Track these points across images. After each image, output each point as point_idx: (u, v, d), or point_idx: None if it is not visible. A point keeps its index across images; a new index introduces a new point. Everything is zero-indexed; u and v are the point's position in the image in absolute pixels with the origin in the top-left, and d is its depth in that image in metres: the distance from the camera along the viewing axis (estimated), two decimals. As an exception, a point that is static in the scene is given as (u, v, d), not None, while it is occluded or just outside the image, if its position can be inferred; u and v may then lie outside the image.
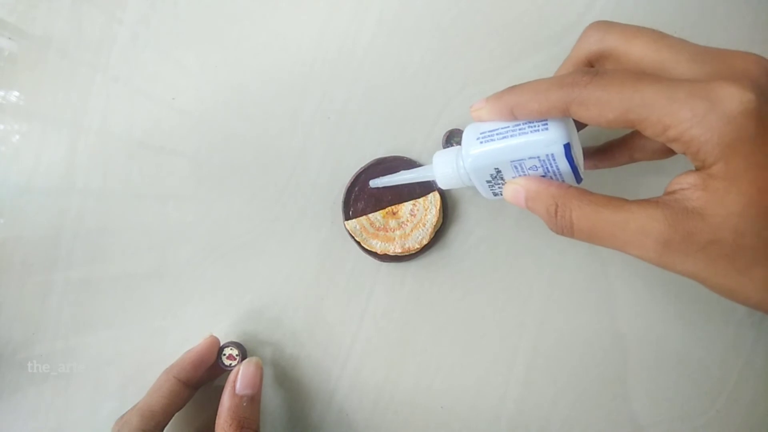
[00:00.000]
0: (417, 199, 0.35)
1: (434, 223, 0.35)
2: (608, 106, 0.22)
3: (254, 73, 0.37)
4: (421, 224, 0.35)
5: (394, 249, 0.34)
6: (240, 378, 0.32)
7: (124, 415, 0.31)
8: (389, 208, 0.35)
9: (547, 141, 0.24)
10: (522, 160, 0.25)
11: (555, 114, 0.24)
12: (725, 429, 0.35)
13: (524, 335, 0.35)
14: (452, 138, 0.36)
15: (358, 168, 0.36)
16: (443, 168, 0.29)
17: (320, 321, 0.36)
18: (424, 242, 0.35)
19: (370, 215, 0.35)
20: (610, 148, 0.31)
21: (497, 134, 0.26)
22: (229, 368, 0.33)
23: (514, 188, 0.27)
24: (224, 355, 0.34)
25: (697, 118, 0.20)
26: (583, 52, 0.26)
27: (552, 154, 0.25)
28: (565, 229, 0.25)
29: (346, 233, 0.35)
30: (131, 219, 0.37)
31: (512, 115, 0.25)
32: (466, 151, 0.27)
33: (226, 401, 0.31)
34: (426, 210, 0.35)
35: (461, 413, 0.35)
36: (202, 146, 0.37)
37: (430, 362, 0.36)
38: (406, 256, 0.35)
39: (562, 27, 0.36)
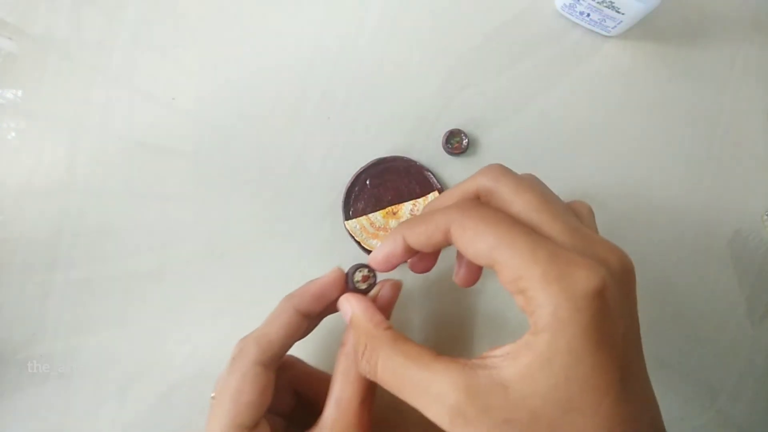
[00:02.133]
0: (417, 199, 0.35)
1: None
2: (481, 236, 0.22)
3: (254, 72, 0.37)
4: (421, 224, 0.35)
5: (394, 249, 0.34)
6: (377, 301, 0.29)
7: (241, 341, 0.28)
8: (389, 208, 0.35)
9: None
10: None
11: (438, 237, 0.24)
12: (725, 429, 0.35)
13: (523, 335, 0.35)
14: (452, 138, 0.36)
15: (358, 168, 0.36)
16: None
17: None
18: (424, 242, 0.34)
19: (370, 215, 0.35)
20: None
21: None
22: (363, 291, 0.29)
23: (345, 306, 0.27)
24: (357, 275, 0.29)
25: (545, 279, 0.21)
26: (475, 186, 0.26)
27: None
28: (369, 372, 0.25)
29: (346, 233, 0.35)
30: (131, 219, 0.37)
31: (404, 240, 0.26)
32: None
33: (340, 358, 0.28)
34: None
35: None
36: (202, 146, 0.37)
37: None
38: (406, 256, 0.35)
39: (562, 27, 0.36)
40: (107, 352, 0.36)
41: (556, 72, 0.37)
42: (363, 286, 0.29)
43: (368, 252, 0.35)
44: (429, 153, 0.36)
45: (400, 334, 0.25)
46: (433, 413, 0.22)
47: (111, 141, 0.37)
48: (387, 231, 0.35)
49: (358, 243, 0.35)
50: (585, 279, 0.21)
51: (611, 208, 0.36)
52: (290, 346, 0.29)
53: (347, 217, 0.36)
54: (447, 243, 0.25)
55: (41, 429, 0.36)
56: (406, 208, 0.35)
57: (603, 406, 0.21)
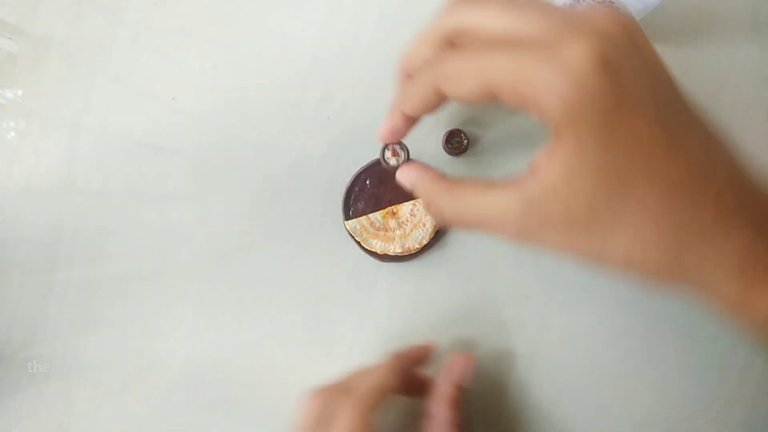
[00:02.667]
0: (417, 199, 0.35)
1: (434, 223, 0.35)
2: (466, 76, 0.22)
3: (254, 72, 0.37)
4: (421, 224, 0.35)
5: (394, 249, 0.34)
6: (462, 369, 0.32)
7: (340, 386, 0.30)
8: (389, 208, 0.35)
9: None
10: None
11: (433, 99, 0.25)
12: (725, 429, 0.35)
13: (524, 335, 0.35)
14: (452, 138, 0.36)
15: (358, 168, 0.36)
16: None
17: (320, 321, 0.36)
18: (424, 242, 0.35)
19: (370, 215, 0.35)
20: None
21: None
22: (393, 166, 0.31)
23: (404, 176, 0.28)
24: (387, 153, 0.31)
25: (543, 80, 0.20)
26: (440, 31, 0.25)
27: None
28: (439, 220, 0.27)
29: (346, 233, 0.35)
30: (131, 219, 0.37)
31: (405, 116, 0.27)
32: None
33: (446, 388, 0.31)
34: (426, 210, 0.35)
35: (461, 413, 0.35)
36: (202, 146, 0.37)
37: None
38: (406, 256, 0.35)
39: (562, 27, 0.36)
40: (107, 352, 0.36)
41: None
42: (394, 162, 0.31)
43: (368, 252, 0.35)
44: (429, 153, 0.36)
45: (454, 179, 0.26)
46: (500, 232, 0.23)
47: (111, 141, 0.37)
48: (387, 231, 0.35)
49: (358, 243, 0.35)
50: (578, 58, 0.20)
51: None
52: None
53: (347, 217, 0.36)
54: (443, 99, 0.25)
55: (41, 429, 0.36)
56: (406, 208, 0.35)
57: (656, 173, 0.20)
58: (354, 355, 0.36)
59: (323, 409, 0.29)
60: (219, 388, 0.36)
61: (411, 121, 0.28)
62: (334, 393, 0.29)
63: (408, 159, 0.32)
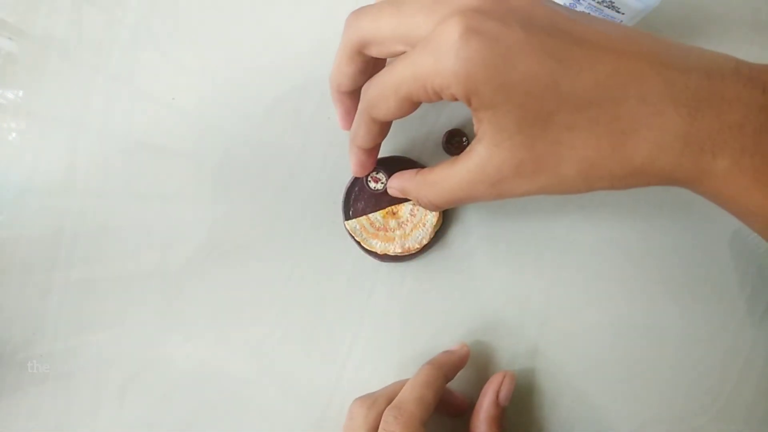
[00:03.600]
0: (417, 199, 0.35)
1: (434, 223, 0.35)
2: (385, 97, 0.25)
3: (254, 72, 0.37)
4: (421, 224, 0.35)
5: (394, 249, 0.34)
6: (505, 389, 0.32)
7: (392, 408, 0.29)
8: (389, 208, 0.35)
9: None
10: None
11: (377, 128, 0.28)
12: (725, 429, 0.35)
13: (524, 335, 0.35)
14: (452, 138, 0.36)
15: (358, 168, 0.36)
16: None
17: (320, 321, 0.36)
18: (424, 242, 0.35)
19: (370, 215, 0.35)
20: None
21: None
22: (378, 190, 0.34)
23: (392, 185, 0.32)
24: (369, 178, 0.34)
25: (438, 71, 0.22)
26: (349, 45, 0.27)
27: None
28: (429, 207, 0.30)
29: (346, 233, 0.35)
30: (131, 219, 0.37)
31: (366, 150, 0.31)
32: None
33: (488, 407, 0.32)
34: (426, 210, 0.35)
35: (461, 413, 0.35)
36: (202, 146, 0.37)
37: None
38: (406, 256, 0.35)
39: (562, 27, 0.36)
40: (107, 352, 0.36)
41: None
42: (380, 186, 0.34)
43: (368, 252, 0.35)
44: (429, 153, 0.36)
45: (426, 168, 0.29)
46: (475, 193, 0.26)
47: (111, 141, 0.37)
48: (387, 231, 0.35)
49: (358, 243, 0.35)
50: (449, 36, 0.22)
51: (609, 210, 0.36)
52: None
53: (347, 217, 0.36)
54: (385, 125, 0.28)
55: (41, 429, 0.36)
56: (406, 208, 0.35)
57: (562, 97, 0.22)
58: (354, 356, 0.36)
59: (372, 425, 0.29)
60: (219, 388, 0.36)
61: (372, 151, 0.31)
62: (382, 406, 0.30)
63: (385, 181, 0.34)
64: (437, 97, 0.24)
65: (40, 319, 0.36)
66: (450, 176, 0.26)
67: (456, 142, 0.36)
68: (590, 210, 0.36)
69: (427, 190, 0.28)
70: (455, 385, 0.35)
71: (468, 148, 0.25)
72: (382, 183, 0.34)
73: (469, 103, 0.23)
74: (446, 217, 0.36)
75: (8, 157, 0.37)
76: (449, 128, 0.36)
